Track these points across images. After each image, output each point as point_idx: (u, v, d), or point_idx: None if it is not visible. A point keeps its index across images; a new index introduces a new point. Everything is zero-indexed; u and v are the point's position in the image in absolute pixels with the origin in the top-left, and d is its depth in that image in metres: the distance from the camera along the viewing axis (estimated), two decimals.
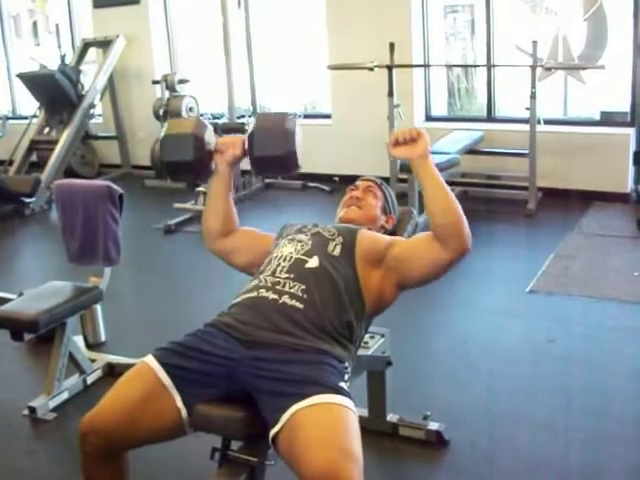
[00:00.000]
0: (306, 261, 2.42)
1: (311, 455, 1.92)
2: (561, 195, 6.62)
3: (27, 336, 3.55)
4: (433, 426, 3.13)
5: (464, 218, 2.35)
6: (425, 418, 3.16)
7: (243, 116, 7.71)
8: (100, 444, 2.15)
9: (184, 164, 2.69)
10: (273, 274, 2.40)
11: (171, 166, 2.73)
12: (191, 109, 8.17)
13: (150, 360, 2.26)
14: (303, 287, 2.34)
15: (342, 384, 2.17)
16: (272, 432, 2.06)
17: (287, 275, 2.38)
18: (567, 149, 6.66)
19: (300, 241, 2.51)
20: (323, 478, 1.87)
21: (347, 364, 2.33)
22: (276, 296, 2.33)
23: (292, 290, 2.34)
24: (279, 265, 2.43)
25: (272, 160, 2.69)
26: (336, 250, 2.47)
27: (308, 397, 2.05)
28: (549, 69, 6.69)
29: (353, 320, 2.39)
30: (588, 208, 6.33)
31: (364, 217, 2.72)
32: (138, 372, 2.26)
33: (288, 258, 2.44)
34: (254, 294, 2.37)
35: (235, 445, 2.29)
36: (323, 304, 2.33)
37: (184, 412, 2.20)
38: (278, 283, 2.36)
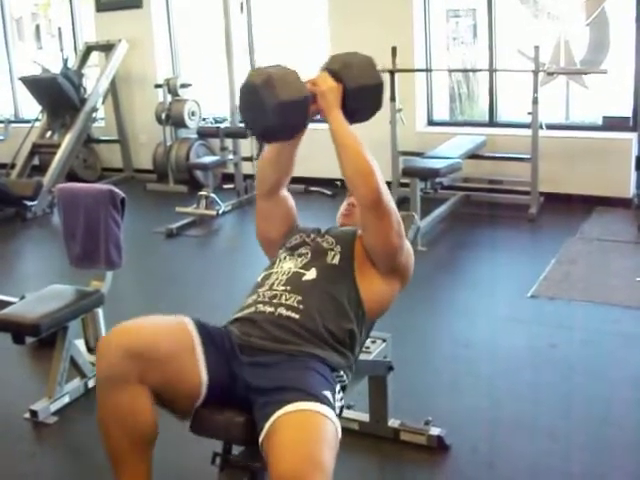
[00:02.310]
0: (303, 274, 2.44)
1: (279, 460, 1.93)
2: (563, 200, 6.62)
3: (28, 340, 3.54)
4: (434, 431, 3.12)
5: (373, 170, 2.39)
6: (427, 423, 3.15)
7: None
8: (121, 361, 2.13)
9: (298, 103, 2.34)
10: (271, 288, 2.42)
11: (285, 107, 2.30)
12: (193, 113, 8.20)
13: (186, 319, 2.31)
14: (299, 298, 2.36)
15: (326, 392, 2.16)
16: (260, 440, 2.07)
17: (284, 288, 2.40)
18: (569, 154, 6.66)
19: (300, 255, 2.53)
20: None
21: (342, 373, 2.35)
22: (272, 309, 2.35)
23: (288, 302, 2.36)
24: (277, 279, 2.45)
25: (369, 91, 2.59)
26: (335, 259, 2.49)
27: (288, 404, 2.06)
28: (551, 74, 6.70)
29: (355, 327, 2.40)
30: (590, 213, 6.33)
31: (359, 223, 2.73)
32: (173, 320, 2.32)
33: (287, 272, 2.46)
34: (252, 309, 2.40)
35: (236, 450, 2.30)
36: (321, 313, 2.34)
37: (204, 376, 2.21)
38: (275, 296, 2.39)
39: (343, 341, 2.37)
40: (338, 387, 2.27)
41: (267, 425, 2.05)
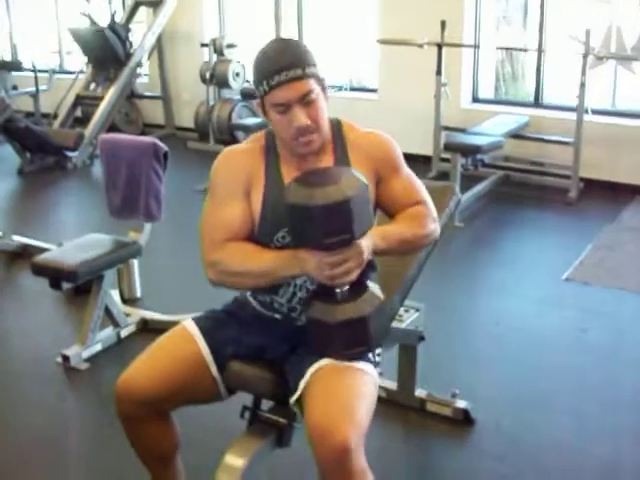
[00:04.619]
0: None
1: (315, 407, 1.94)
2: (603, 186, 6.56)
3: (65, 286, 3.59)
4: (461, 404, 3.13)
5: (428, 235, 2.22)
6: (453, 396, 3.16)
7: None
8: (134, 409, 2.16)
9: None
10: (289, 302, 2.24)
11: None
12: (238, 74, 8.19)
13: (190, 325, 2.26)
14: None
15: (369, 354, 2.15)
16: (292, 398, 2.08)
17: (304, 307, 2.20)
18: (613, 141, 6.58)
19: None
20: (319, 432, 1.87)
21: None
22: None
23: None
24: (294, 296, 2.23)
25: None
26: None
27: (324, 360, 2.06)
28: (601, 58, 6.60)
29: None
30: (630, 202, 6.25)
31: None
32: (176, 337, 2.25)
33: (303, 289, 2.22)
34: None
35: (266, 406, 2.32)
36: None
37: (220, 381, 2.23)
38: (294, 310, 2.24)
39: None
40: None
41: (302, 382, 2.06)
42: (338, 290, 2.01)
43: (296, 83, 2.00)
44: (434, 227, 2.23)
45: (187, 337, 2.23)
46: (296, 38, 2.23)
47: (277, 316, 2.26)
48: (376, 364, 2.18)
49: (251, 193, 2.17)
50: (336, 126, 2.22)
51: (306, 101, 2.03)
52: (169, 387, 2.14)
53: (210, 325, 2.27)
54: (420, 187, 2.26)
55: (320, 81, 2.08)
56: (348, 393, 1.98)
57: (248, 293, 2.34)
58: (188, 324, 2.26)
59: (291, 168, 2.15)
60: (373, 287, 2.11)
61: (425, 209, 2.22)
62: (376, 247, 2.04)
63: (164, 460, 2.35)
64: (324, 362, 2.05)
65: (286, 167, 2.16)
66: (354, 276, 1.98)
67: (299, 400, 2.07)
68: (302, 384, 2.06)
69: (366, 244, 1.99)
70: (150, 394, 2.12)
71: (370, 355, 2.15)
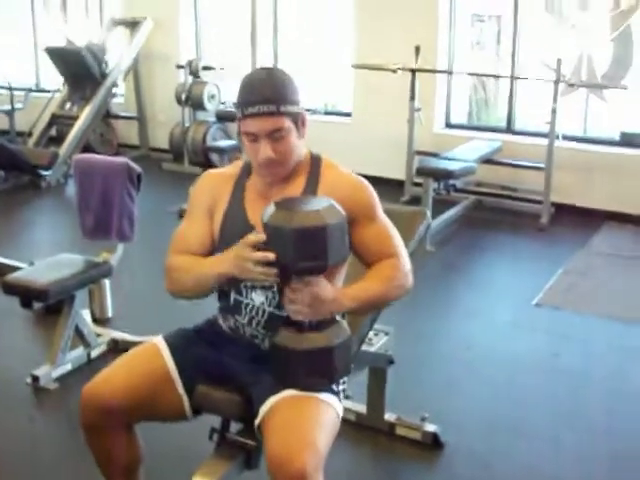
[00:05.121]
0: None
1: (273, 441, 1.96)
2: (575, 212, 6.62)
3: (36, 305, 3.58)
4: (430, 428, 3.14)
5: (391, 292, 2.20)
6: (423, 419, 3.17)
7: None
8: (97, 418, 2.18)
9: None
10: (250, 324, 2.24)
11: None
12: (213, 96, 8.21)
13: (159, 341, 2.29)
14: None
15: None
16: (256, 422, 2.11)
17: (264, 332, 2.23)
18: (584, 167, 6.65)
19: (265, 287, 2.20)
20: (279, 462, 1.89)
21: None
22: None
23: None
24: (253, 318, 2.23)
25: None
26: None
27: (286, 390, 2.09)
28: (572, 85, 6.70)
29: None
30: (601, 227, 6.32)
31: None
32: (145, 352, 2.29)
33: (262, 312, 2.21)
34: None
35: (234, 428, 2.32)
36: None
37: (185, 399, 2.24)
38: (256, 336, 2.25)
39: None
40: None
41: (263, 408, 2.08)
42: (306, 320, 2.03)
43: (267, 118, 2.05)
44: (405, 282, 2.21)
45: (155, 352, 2.26)
46: (280, 68, 2.27)
47: (243, 339, 2.27)
48: (340, 395, 2.20)
49: (214, 215, 2.25)
50: (315, 162, 2.24)
51: (275, 136, 2.07)
52: (133, 398, 2.16)
53: (179, 342, 2.30)
54: (394, 237, 2.23)
55: (295, 118, 2.11)
56: (307, 423, 2.00)
57: (218, 313, 2.36)
58: (157, 340, 2.30)
59: (257, 197, 2.20)
60: (341, 321, 2.14)
61: (397, 263, 2.20)
62: (346, 307, 2.10)
63: (126, 474, 2.33)
64: (286, 392, 2.07)
65: (251, 195, 2.22)
66: (305, 317, 2.02)
67: (259, 427, 2.09)
68: (262, 411, 2.08)
69: (333, 295, 2.04)
70: (113, 403, 2.15)
71: (333, 386, 2.17)
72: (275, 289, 2.15)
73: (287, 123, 2.08)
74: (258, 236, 2.00)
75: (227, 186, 2.25)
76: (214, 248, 2.25)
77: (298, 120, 2.13)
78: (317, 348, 2.03)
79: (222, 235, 2.22)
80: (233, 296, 2.24)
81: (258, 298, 2.19)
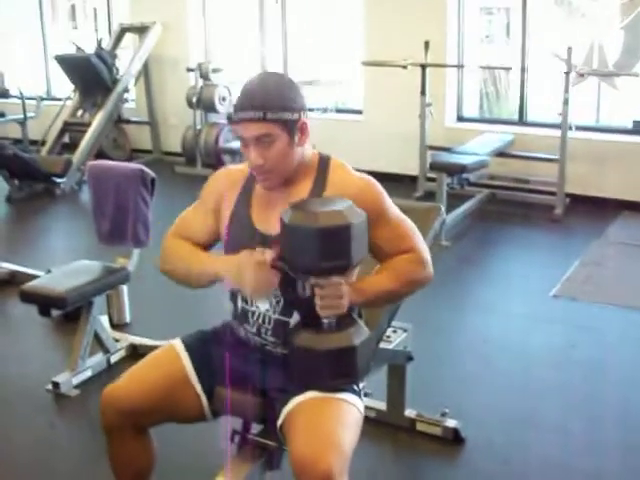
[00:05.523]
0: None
1: (298, 438, 1.97)
2: (589, 202, 6.60)
3: (54, 312, 3.61)
4: (450, 423, 3.14)
5: (405, 284, 2.21)
6: (443, 415, 3.17)
7: None
8: (117, 420, 2.20)
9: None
10: (259, 334, 2.24)
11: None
12: (224, 98, 8.23)
13: (177, 344, 2.31)
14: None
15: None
16: (278, 423, 2.11)
17: (273, 339, 2.22)
18: (598, 156, 6.63)
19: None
20: (303, 463, 1.89)
21: None
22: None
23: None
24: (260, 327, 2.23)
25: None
26: None
27: (308, 391, 2.09)
28: (583, 75, 6.66)
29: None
30: (616, 217, 6.29)
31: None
32: (163, 354, 2.31)
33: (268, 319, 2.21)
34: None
35: (256, 429, 2.33)
36: None
37: (204, 399, 2.25)
38: (266, 344, 2.24)
39: None
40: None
41: (286, 409, 2.09)
42: (326, 320, 2.03)
43: (252, 124, 2.04)
44: (422, 273, 2.20)
45: (173, 354, 2.29)
46: (283, 73, 2.27)
47: (255, 347, 2.27)
48: (361, 394, 2.20)
49: (220, 212, 2.27)
50: (324, 163, 2.22)
51: (263, 143, 2.06)
52: (151, 399, 2.19)
53: (197, 344, 2.32)
54: (410, 232, 2.21)
55: (289, 125, 2.06)
56: (331, 423, 2.01)
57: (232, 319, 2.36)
58: (175, 342, 2.32)
59: (262, 200, 2.21)
60: (359, 320, 2.15)
61: (413, 256, 2.18)
62: (352, 301, 2.09)
63: (138, 478, 2.36)
64: (309, 394, 2.08)
65: (257, 199, 2.22)
66: (341, 310, 2.04)
67: (282, 429, 2.10)
68: (285, 411, 2.09)
69: (346, 291, 2.05)
70: (132, 405, 2.18)
71: (354, 386, 2.17)
72: (279, 294, 2.14)
73: (276, 130, 2.04)
74: (267, 252, 2.03)
75: (236, 184, 2.26)
76: (211, 245, 2.32)
77: (293, 127, 2.08)
78: (340, 348, 2.04)
79: (229, 236, 2.23)
80: (240, 304, 2.24)
81: (263, 305, 2.19)
